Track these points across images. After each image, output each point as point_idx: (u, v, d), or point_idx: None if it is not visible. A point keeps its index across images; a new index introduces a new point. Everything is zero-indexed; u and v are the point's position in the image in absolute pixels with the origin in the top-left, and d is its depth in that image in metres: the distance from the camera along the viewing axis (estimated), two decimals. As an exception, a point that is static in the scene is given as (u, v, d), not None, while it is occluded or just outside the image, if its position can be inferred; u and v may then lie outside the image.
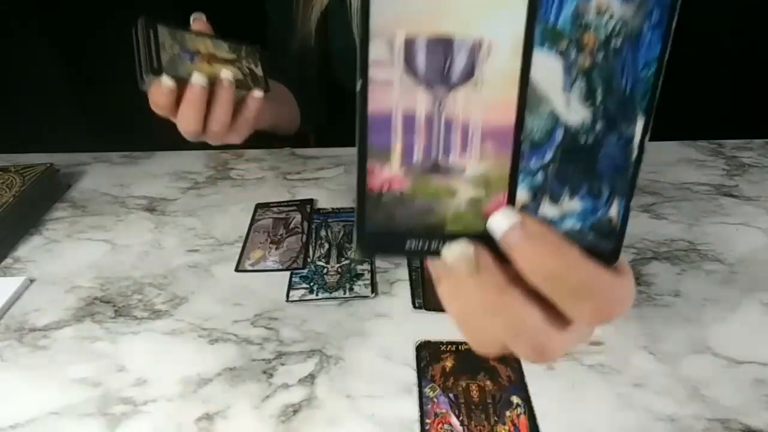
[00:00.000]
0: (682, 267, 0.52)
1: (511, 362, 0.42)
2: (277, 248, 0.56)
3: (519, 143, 0.20)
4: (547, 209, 0.21)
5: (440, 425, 0.38)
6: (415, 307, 0.48)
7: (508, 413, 0.38)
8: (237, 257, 0.55)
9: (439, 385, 0.40)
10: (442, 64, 0.19)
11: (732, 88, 1.08)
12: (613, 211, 0.21)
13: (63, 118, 1.23)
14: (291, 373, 0.42)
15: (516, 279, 0.21)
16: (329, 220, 0.61)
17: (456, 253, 0.21)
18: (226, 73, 0.48)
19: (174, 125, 0.49)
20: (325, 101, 0.80)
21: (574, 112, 0.20)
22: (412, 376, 0.42)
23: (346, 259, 0.54)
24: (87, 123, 1.23)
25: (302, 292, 0.50)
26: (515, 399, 0.39)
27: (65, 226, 0.62)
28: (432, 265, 0.23)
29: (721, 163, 0.71)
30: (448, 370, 0.42)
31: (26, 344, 0.46)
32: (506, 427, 0.37)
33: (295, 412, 0.39)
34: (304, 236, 0.58)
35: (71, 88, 1.24)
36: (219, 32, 0.52)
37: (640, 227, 0.58)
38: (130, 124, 0.90)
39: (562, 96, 0.20)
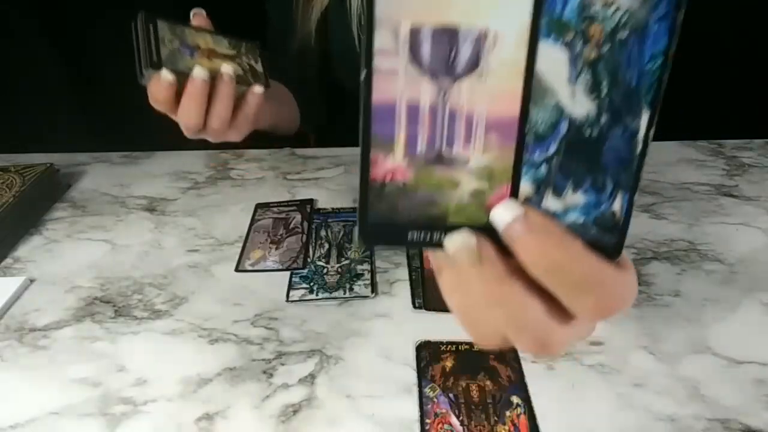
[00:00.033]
0: (682, 267, 0.52)
1: (511, 362, 0.42)
2: (277, 248, 0.56)
3: (523, 135, 0.20)
4: (551, 202, 0.21)
5: (440, 425, 0.38)
6: (415, 307, 0.48)
7: (508, 413, 0.38)
8: (237, 257, 0.55)
9: (439, 385, 0.40)
10: (447, 54, 0.19)
11: (732, 88, 1.08)
12: (617, 205, 0.21)
13: (63, 118, 1.23)
14: (291, 373, 0.42)
15: (518, 272, 0.21)
16: (329, 220, 0.61)
17: (458, 243, 0.21)
18: (227, 68, 0.47)
19: (174, 124, 0.49)
20: (325, 101, 0.80)
21: (579, 105, 0.20)
22: (412, 376, 0.42)
23: (346, 259, 0.54)
24: (87, 123, 1.23)
25: (302, 292, 0.50)
26: (515, 399, 0.39)
27: (65, 226, 0.62)
28: (433, 255, 0.23)
29: (721, 163, 0.71)
30: (448, 370, 0.42)
31: (26, 344, 0.46)
32: (506, 427, 0.37)
33: (295, 412, 0.39)
34: (304, 236, 0.58)
35: (71, 88, 1.24)
36: (219, 30, 0.52)
37: (640, 227, 0.58)
38: (130, 124, 0.90)
39: (567, 88, 0.19)
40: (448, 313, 0.48)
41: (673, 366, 0.42)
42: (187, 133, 0.50)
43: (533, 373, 0.41)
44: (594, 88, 0.19)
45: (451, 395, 0.40)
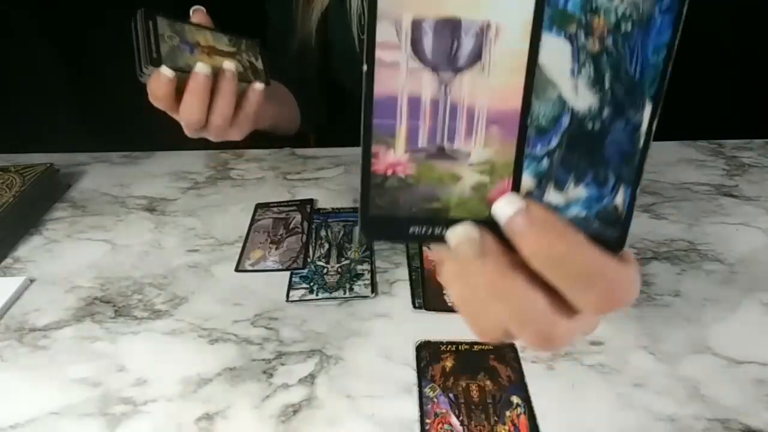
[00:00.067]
0: (682, 267, 0.52)
1: (511, 362, 0.42)
2: (277, 248, 0.56)
3: (525, 128, 0.20)
4: (552, 196, 0.21)
5: (440, 425, 0.38)
6: (415, 307, 0.48)
7: (508, 413, 0.38)
8: (237, 257, 0.55)
9: (439, 385, 0.40)
10: (449, 47, 0.19)
11: (732, 88, 1.08)
12: (619, 198, 0.21)
13: (63, 118, 1.23)
14: (291, 373, 0.42)
15: (520, 265, 0.21)
16: (329, 220, 0.61)
17: (460, 235, 0.21)
18: (229, 64, 0.47)
19: (174, 124, 0.49)
20: (325, 101, 0.80)
21: (582, 98, 0.19)
22: (412, 376, 0.42)
23: (346, 259, 0.54)
24: (87, 123, 1.23)
25: (302, 292, 0.50)
26: (515, 399, 0.39)
27: (65, 226, 0.62)
28: (435, 248, 0.23)
29: (721, 163, 0.71)
30: (448, 370, 0.42)
31: (26, 344, 0.46)
32: (506, 427, 0.37)
33: (295, 412, 0.39)
34: (304, 236, 0.58)
35: (71, 88, 1.24)
36: (219, 27, 0.51)
37: (640, 227, 0.58)
38: (130, 124, 0.90)
39: (569, 81, 0.19)
40: (448, 313, 0.48)
41: (673, 366, 0.42)
42: (188, 132, 0.49)
43: (533, 373, 0.41)
44: (597, 81, 0.19)
45: (451, 395, 0.40)
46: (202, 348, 0.45)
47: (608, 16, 0.19)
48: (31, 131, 1.04)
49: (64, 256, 0.57)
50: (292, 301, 0.49)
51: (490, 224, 0.21)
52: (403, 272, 0.52)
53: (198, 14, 0.51)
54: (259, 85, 0.50)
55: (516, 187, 0.21)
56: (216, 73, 0.47)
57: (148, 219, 0.63)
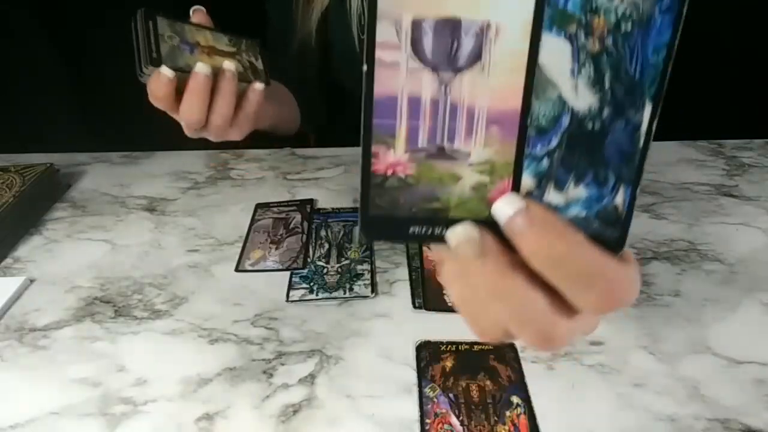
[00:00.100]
0: (682, 267, 0.52)
1: (511, 362, 0.42)
2: (277, 248, 0.56)
3: (525, 129, 0.20)
4: (552, 196, 0.21)
5: (440, 425, 0.38)
6: (415, 307, 0.48)
7: (508, 413, 0.38)
8: (237, 257, 0.55)
9: (439, 385, 0.40)
10: (449, 47, 0.19)
11: (732, 88, 1.08)
12: (619, 198, 0.21)
13: (63, 118, 1.23)
14: (291, 373, 0.42)
15: (520, 266, 0.21)
16: (329, 220, 0.61)
17: (460, 235, 0.21)
18: (229, 64, 0.47)
19: (174, 124, 0.49)
20: (325, 101, 0.80)
21: (582, 98, 0.19)
22: (412, 376, 0.42)
23: (346, 259, 0.54)
24: (87, 123, 1.23)
25: (302, 292, 0.50)
26: (515, 399, 0.39)
27: (65, 226, 0.62)
28: (435, 248, 0.23)
29: (721, 163, 0.71)
30: (448, 370, 0.42)
31: (26, 344, 0.46)
32: (506, 427, 0.37)
33: (295, 412, 0.39)
34: (304, 236, 0.58)
35: (71, 88, 1.24)
36: (219, 27, 0.51)
37: (640, 227, 0.58)
38: (130, 124, 0.90)
39: (569, 81, 0.19)
40: (448, 313, 0.48)
41: (673, 366, 0.42)
42: (188, 132, 0.49)
43: (533, 373, 0.41)
44: (597, 81, 0.19)
45: (451, 395, 0.40)
46: (202, 348, 0.45)
47: (608, 16, 0.19)
48: (31, 131, 1.04)
49: (64, 256, 0.57)
50: (292, 301, 0.49)
51: (490, 224, 0.21)
52: (403, 272, 0.52)
53: (198, 14, 0.51)
54: (259, 85, 0.50)
55: (516, 187, 0.21)
56: (216, 73, 0.47)
57: (148, 219, 0.63)
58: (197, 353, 0.44)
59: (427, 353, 0.43)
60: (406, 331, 0.45)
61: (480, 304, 0.23)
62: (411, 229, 0.21)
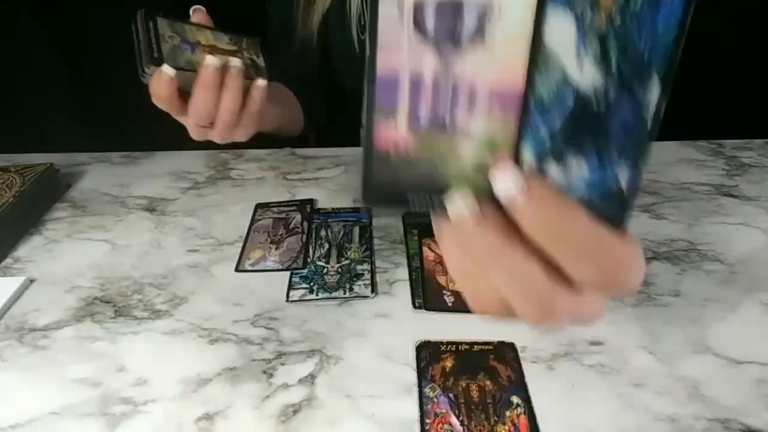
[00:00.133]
0: (682, 267, 0.52)
1: (511, 362, 0.42)
2: (277, 248, 0.56)
3: (527, 105, 0.20)
4: (555, 173, 0.21)
5: (440, 425, 0.38)
6: (415, 307, 0.48)
7: (508, 413, 0.38)
8: (237, 257, 0.55)
9: (439, 385, 0.40)
10: (451, 24, 0.19)
11: (732, 88, 1.08)
12: (623, 178, 0.21)
13: (63, 118, 1.23)
14: (291, 373, 0.42)
15: (520, 237, 0.21)
16: (329, 220, 0.61)
17: (460, 201, 0.21)
18: (235, 61, 0.48)
19: (174, 123, 0.49)
20: (325, 101, 0.80)
21: (587, 75, 0.19)
22: (412, 376, 0.42)
23: (346, 259, 0.54)
24: (87, 123, 1.23)
25: (302, 292, 0.50)
26: (515, 399, 0.39)
27: (65, 226, 0.62)
28: (436, 222, 0.23)
29: (721, 163, 0.70)
30: (448, 370, 0.42)
31: (26, 344, 0.46)
32: (506, 427, 0.37)
33: (295, 412, 0.39)
34: (304, 236, 0.58)
35: (71, 88, 1.23)
36: (219, 26, 0.52)
37: (640, 227, 0.58)
38: (130, 124, 0.90)
39: (574, 59, 0.19)
40: (448, 313, 0.48)
41: (673, 366, 0.42)
42: (195, 133, 0.49)
43: (533, 373, 0.41)
44: (603, 60, 0.19)
45: (451, 395, 0.40)
46: (202, 348, 0.45)
47: None
48: (31, 131, 1.04)
49: (64, 256, 0.57)
50: (292, 301, 0.49)
51: (491, 199, 0.21)
52: (403, 272, 0.52)
53: (198, 14, 0.51)
54: (261, 82, 0.50)
55: (517, 163, 0.21)
56: (221, 70, 0.47)
57: (148, 219, 0.63)
58: (197, 353, 0.44)
59: (427, 353, 0.43)
60: (406, 331, 0.45)
61: (479, 274, 0.22)
62: (412, 200, 0.22)
